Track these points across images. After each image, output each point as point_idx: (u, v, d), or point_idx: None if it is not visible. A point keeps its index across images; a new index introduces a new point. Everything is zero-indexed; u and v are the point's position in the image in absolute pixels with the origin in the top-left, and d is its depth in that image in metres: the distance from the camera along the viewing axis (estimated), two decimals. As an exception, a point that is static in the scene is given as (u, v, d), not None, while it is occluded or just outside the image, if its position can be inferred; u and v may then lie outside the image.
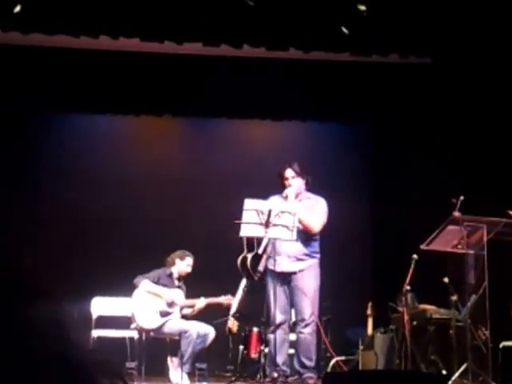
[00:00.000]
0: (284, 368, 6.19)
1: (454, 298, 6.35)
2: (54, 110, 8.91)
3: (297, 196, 6.38)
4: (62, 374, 0.84)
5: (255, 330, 7.63)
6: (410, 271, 6.33)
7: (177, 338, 7.16)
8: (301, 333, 6.23)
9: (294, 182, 6.34)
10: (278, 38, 7.74)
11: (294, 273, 6.23)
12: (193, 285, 7.41)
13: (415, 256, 6.31)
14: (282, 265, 6.22)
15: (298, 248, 6.24)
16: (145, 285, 7.16)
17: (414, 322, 6.99)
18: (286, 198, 6.29)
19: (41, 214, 8.88)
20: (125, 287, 7.22)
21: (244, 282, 6.41)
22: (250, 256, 6.10)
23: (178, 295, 7.26)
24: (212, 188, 9.13)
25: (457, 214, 5.97)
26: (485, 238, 6.00)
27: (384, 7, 7.36)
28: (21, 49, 8.06)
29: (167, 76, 8.49)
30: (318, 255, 6.37)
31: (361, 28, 7.41)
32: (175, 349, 7.15)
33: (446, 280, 6.27)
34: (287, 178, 6.33)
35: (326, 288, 6.59)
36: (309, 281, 6.21)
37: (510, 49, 7.54)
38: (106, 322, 7.49)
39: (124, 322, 7.33)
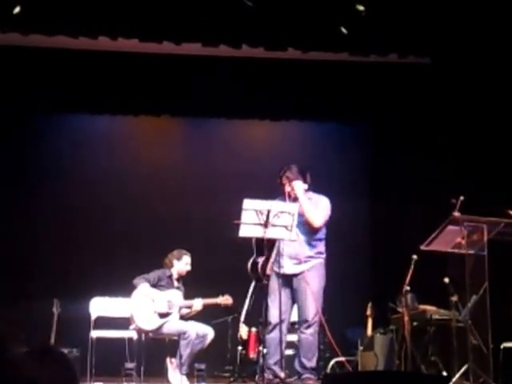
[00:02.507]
0: (275, 368, 6.11)
1: (455, 298, 6.33)
2: (54, 110, 8.90)
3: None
4: None
5: (253, 330, 7.62)
6: (410, 272, 6.31)
7: (175, 338, 7.15)
8: (302, 333, 6.18)
9: (293, 184, 6.30)
10: (276, 38, 7.74)
11: (297, 275, 6.19)
12: (192, 285, 7.40)
13: (415, 256, 6.29)
14: (285, 267, 6.18)
15: (301, 250, 6.20)
16: (143, 288, 7.13)
17: (414, 323, 6.97)
18: (292, 192, 6.24)
19: (40, 214, 8.87)
20: (124, 288, 7.21)
21: (253, 285, 6.35)
22: (261, 260, 6.07)
23: (176, 296, 7.24)
24: (211, 188, 9.13)
25: (457, 214, 5.94)
26: (485, 238, 5.97)
27: (383, 7, 7.35)
28: (20, 50, 8.06)
29: (166, 76, 8.48)
30: (323, 255, 6.29)
31: (360, 28, 7.40)
32: (174, 349, 7.13)
33: (446, 280, 6.26)
34: (285, 184, 6.31)
35: (325, 288, 6.56)
36: (312, 281, 6.15)
37: (509, 49, 7.53)
38: (105, 322, 7.48)
39: (123, 323, 7.32)
